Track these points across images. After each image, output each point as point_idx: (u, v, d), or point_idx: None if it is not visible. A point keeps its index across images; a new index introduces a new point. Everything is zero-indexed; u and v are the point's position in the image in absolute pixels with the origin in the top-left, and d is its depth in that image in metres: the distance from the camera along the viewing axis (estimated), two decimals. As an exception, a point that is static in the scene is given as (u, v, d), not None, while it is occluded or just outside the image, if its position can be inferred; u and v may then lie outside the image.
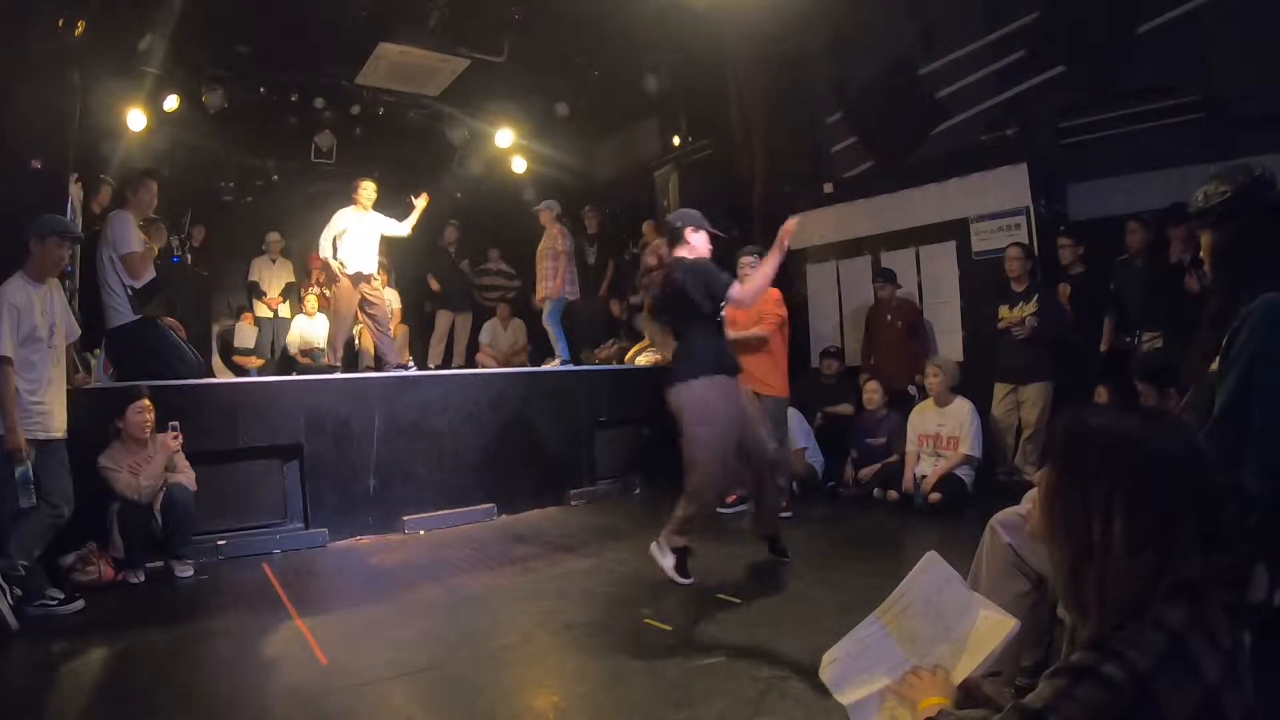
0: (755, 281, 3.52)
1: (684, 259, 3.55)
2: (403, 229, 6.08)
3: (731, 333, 4.63)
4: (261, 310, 8.05)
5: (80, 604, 3.33)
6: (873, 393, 5.39)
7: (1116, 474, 0.96)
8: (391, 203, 6.31)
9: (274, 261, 8.20)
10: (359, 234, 5.81)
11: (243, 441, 4.40)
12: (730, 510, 4.82)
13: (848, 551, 3.98)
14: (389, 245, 6.52)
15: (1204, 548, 0.95)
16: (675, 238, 3.62)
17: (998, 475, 5.03)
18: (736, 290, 3.45)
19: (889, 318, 5.88)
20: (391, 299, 7.82)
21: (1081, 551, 0.97)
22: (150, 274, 4.50)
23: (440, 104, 7.61)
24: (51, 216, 3.46)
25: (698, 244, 3.60)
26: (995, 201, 5.56)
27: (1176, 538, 0.94)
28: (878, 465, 5.20)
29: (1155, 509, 0.94)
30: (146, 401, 3.86)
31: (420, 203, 6.13)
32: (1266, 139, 4.22)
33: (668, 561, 3.43)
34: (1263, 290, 1.52)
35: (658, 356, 6.58)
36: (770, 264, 3.47)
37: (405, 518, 4.78)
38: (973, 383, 5.06)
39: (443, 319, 7.91)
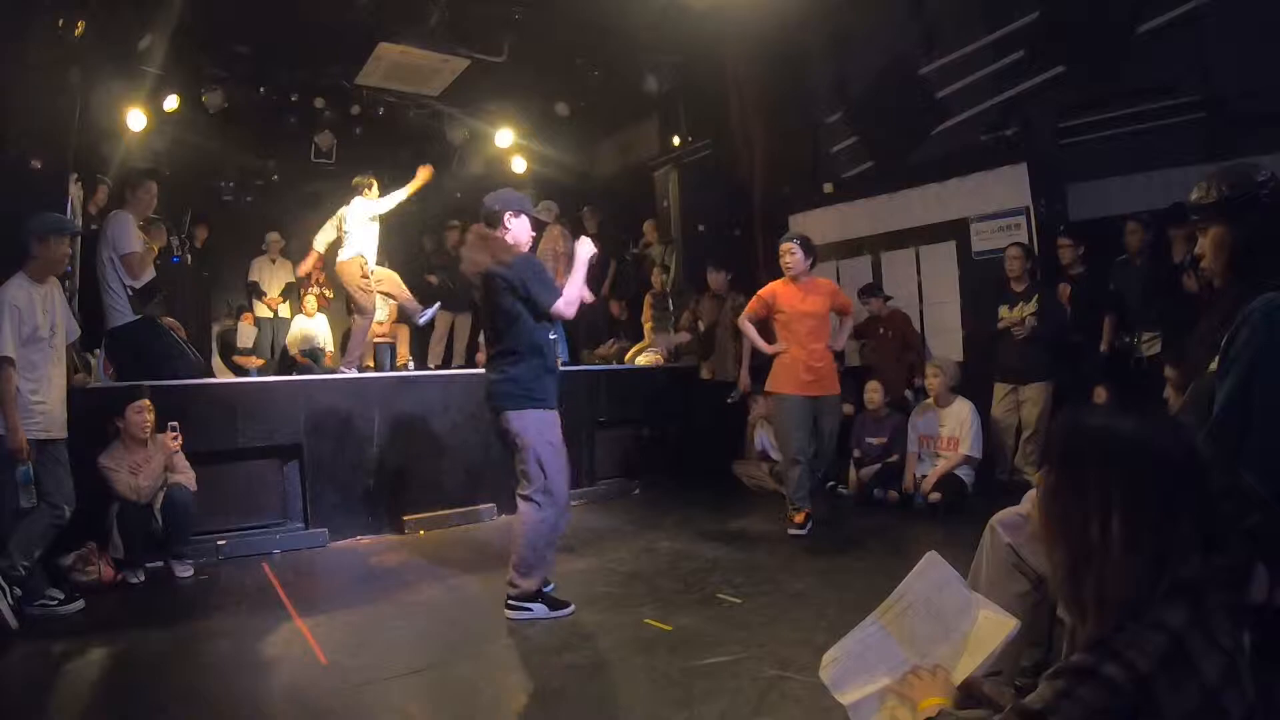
0: (571, 292, 3.11)
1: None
2: (398, 196, 5.91)
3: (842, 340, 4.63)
4: (261, 310, 8.04)
5: (80, 604, 3.33)
6: (874, 392, 5.39)
7: (1115, 474, 0.96)
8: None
9: (274, 261, 8.20)
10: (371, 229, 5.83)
11: (243, 441, 4.40)
12: (801, 530, 4.33)
13: (848, 551, 3.97)
14: (389, 245, 6.54)
15: (1204, 548, 0.95)
16: (492, 223, 3.19)
17: (998, 475, 5.03)
18: (561, 304, 3.06)
19: (881, 330, 5.90)
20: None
21: (1080, 552, 0.97)
22: (150, 274, 4.50)
23: (440, 104, 7.61)
24: (51, 214, 3.45)
25: (518, 231, 3.21)
26: (995, 201, 5.56)
27: (1175, 538, 0.94)
28: (877, 465, 5.20)
29: (1154, 509, 0.94)
30: (146, 401, 3.86)
31: (423, 174, 6.01)
32: (1266, 139, 4.22)
33: (540, 609, 3.06)
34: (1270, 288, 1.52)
35: (658, 356, 6.59)
36: (578, 277, 3.15)
37: (405, 518, 4.78)
38: (973, 383, 5.07)
39: (442, 319, 7.90)
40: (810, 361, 4.44)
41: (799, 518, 4.32)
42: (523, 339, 3.08)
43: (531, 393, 3.06)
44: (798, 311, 4.50)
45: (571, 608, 3.10)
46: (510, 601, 3.06)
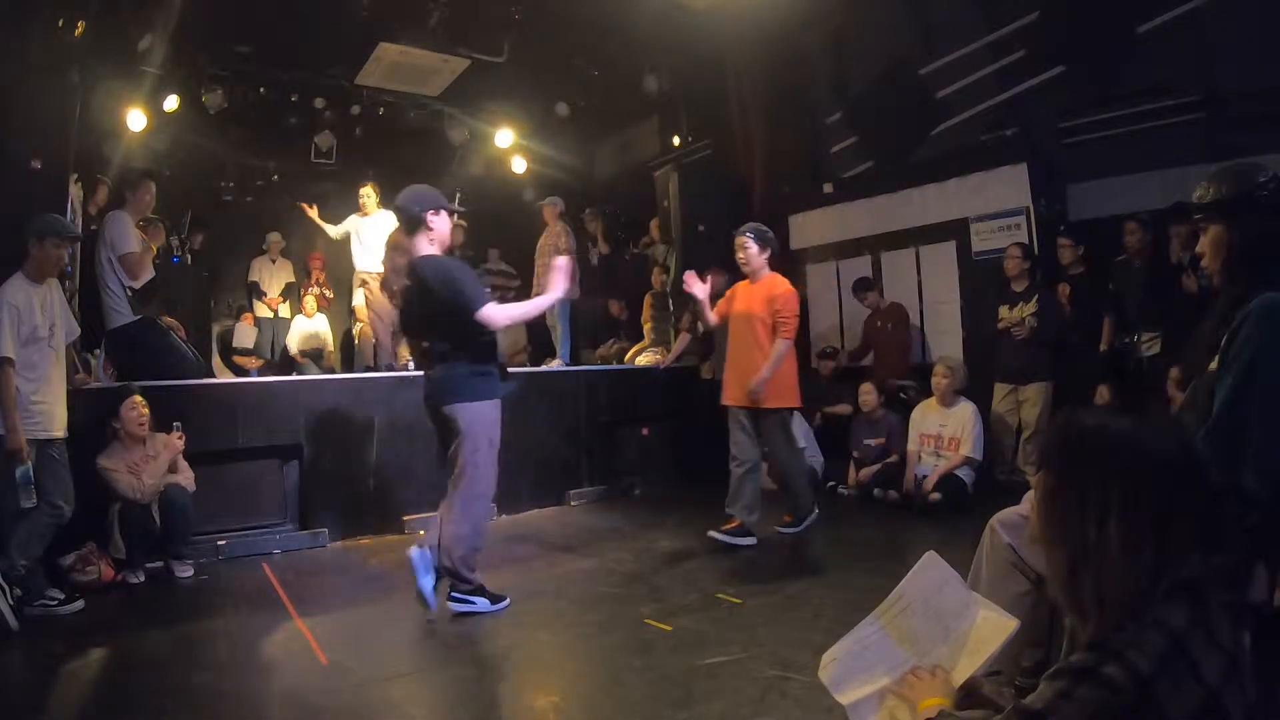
0: (517, 310, 3.26)
1: (431, 256, 3.14)
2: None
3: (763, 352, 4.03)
4: (261, 310, 8.06)
5: (80, 604, 3.33)
6: (867, 394, 5.39)
7: (1112, 474, 0.96)
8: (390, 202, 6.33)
9: (274, 262, 8.21)
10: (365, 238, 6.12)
11: (243, 441, 4.40)
12: (790, 530, 4.20)
13: (848, 551, 3.98)
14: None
15: (1203, 548, 0.95)
16: (415, 225, 3.14)
17: (998, 475, 5.03)
18: (492, 311, 3.04)
19: (879, 324, 5.92)
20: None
21: (1078, 552, 0.97)
22: (149, 274, 4.50)
23: (440, 104, 7.61)
24: (49, 217, 3.45)
25: (441, 229, 3.16)
26: (995, 201, 5.56)
27: (1173, 538, 0.94)
28: (877, 465, 5.20)
29: (1151, 509, 0.94)
30: (138, 397, 3.86)
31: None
32: (1266, 139, 4.21)
33: (482, 603, 3.15)
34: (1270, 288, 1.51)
35: (657, 356, 6.59)
36: (539, 303, 3.30)
37: (405, 518, 4.78)
38: (973, 383, 5.06)
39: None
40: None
41: (786, 518, 4.21)
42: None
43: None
44: (735, 313, 4.17)
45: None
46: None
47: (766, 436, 4.10)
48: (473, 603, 3.12)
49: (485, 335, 3.11)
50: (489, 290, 3.20)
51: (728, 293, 4.32)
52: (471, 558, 3.13)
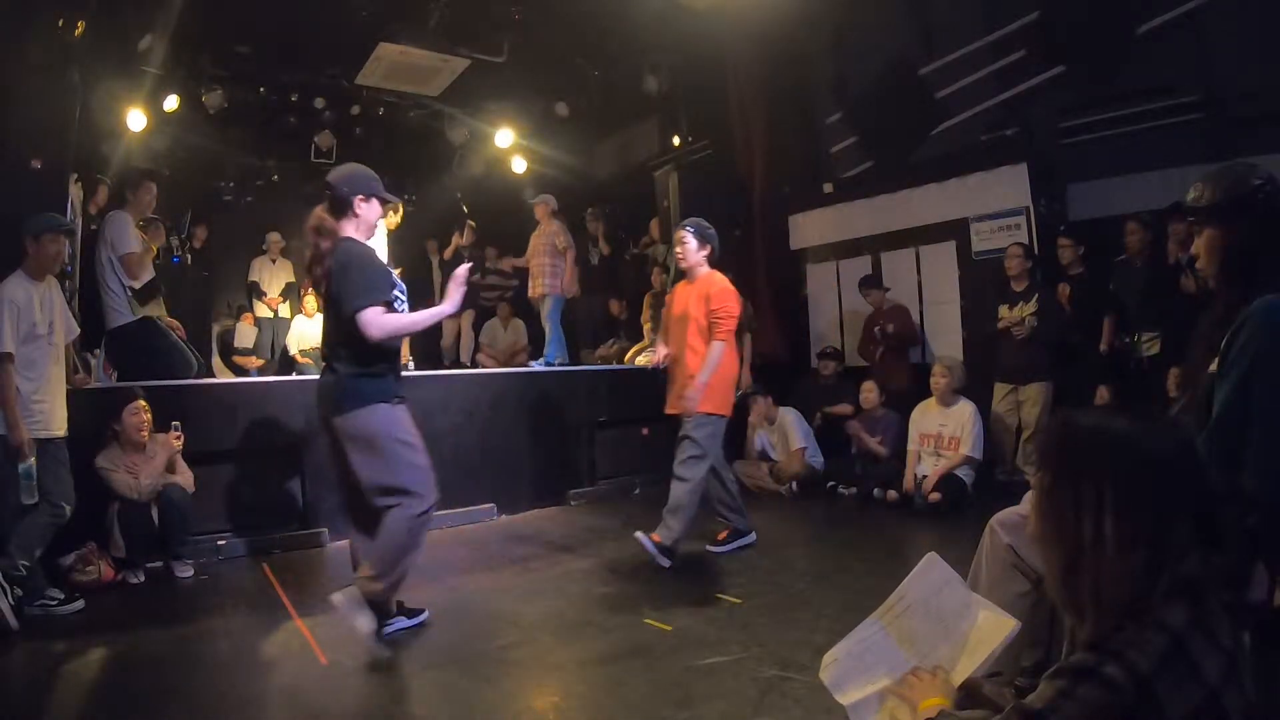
0: (400, 321, 2.82)
1: (348, 240, 2.84)
2: None
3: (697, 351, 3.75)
4: (261, 310, 8.06)
5: (80, 604, 3.33)
6: (869, 392, 5.39)
7: (1108, 473, 0.96)
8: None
9: (274, 261, 8.21)
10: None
11: (243, 441, 4.40)
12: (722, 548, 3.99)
13: (848, 551, 3.98)
14: (395, 249, 6.57)
15: (1202, 547, 0.95)
16: (341, 208, 2.85)
17: (998, 475, 5.03)
18: (374, 316, 2.68)
19: (881, 322, 5.92)
20: None
21: (1074, 552, 0.97)
22: (149, 274, 4.50)
23: (440, 104, 7.61)
24: (43, 214, 3.45)
25: (368, 216, 2.90)
26: (995, 201, 5.57)
27: (1170, 537, 0.94)
28: (877, 465, 5.21)
29: (1147, 508, 0.94)
30: (142, 402, 3.85)
31: None
32: (1266, 139, 4.22)
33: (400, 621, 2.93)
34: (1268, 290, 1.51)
35: (658, 356, 6.58)
36: (432, 313, 2.93)
37: (405, 517, 4.77)
38: (973, 383, 5.07)
39: (449, 321, 7.87)
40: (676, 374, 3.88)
41: (720, 535, 3.97)
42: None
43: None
44: (671, 315, 3.91)
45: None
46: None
47: (681, 444, 3.78)
48: (392, 624, 2.89)
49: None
50: (398, 291, 2.90)
51: (666, 299, 4.06)
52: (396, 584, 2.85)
